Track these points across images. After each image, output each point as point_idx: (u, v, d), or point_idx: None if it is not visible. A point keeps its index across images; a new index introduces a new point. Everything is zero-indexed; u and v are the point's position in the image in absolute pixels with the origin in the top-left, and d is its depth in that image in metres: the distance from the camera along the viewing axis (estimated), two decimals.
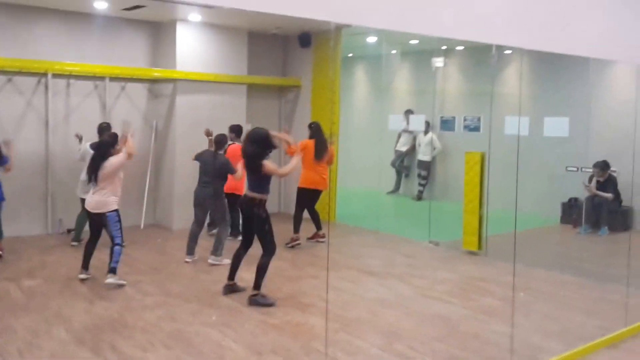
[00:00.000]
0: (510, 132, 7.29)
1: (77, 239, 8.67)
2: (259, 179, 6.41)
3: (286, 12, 4.58)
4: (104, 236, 7.08)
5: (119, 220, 6.93)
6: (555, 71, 10.81)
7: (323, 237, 9.22)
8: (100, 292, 6.77)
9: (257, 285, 6.41)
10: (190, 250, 8.14)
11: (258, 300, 6.37)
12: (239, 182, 7.95)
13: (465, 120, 9.67)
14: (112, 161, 6.82)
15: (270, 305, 6.33)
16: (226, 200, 8.19)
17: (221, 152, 8.13)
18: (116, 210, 6.91)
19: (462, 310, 6.41)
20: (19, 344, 5.24)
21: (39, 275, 7.38)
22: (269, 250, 6.43)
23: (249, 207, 6.42)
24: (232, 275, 6.73)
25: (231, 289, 6.72)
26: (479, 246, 8.68)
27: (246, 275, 6.77)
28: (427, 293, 6.96)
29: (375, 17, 4.79)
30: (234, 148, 8.60)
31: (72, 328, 5.64)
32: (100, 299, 6.52)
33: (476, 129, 9.21)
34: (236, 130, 9.11)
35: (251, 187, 6.47)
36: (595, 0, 6.47)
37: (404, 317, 6.17)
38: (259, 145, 6.37)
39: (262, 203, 6.38)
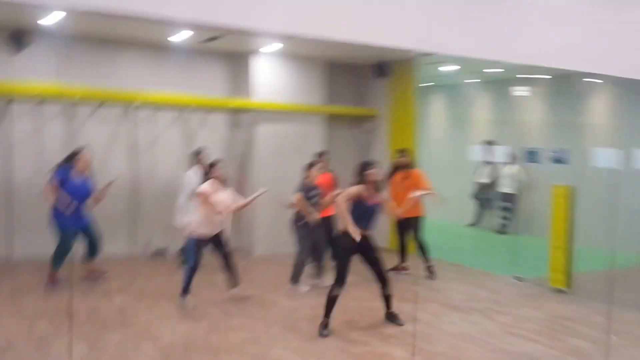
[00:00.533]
0: (601, 164, 7.06)
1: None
2: None
3: (371, 41, 4.59)
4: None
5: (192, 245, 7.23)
6: None
7: (406, 269, 9.09)
8: (188, 312, 6.93)
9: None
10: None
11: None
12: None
13: (552, 151, 9.40)
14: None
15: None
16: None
17: None
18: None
19: (549, 351, 6.16)
20: (109, 359, 5.40)
21: (128, 293, 7.61)
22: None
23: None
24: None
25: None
26: (567, 284, 8.35)
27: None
28: (512, 330, 6.73)
29: (460, 46, 4.76)
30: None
31: (159, 346, 5.76)
32: (187, 319, 6.68)
33: (563, 161, 8.92)
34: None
35: None
36: None
37: (488, 354, 5.99)
38: None
39: None
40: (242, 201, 7.48)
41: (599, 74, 6.79)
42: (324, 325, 6.33)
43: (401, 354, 5.81)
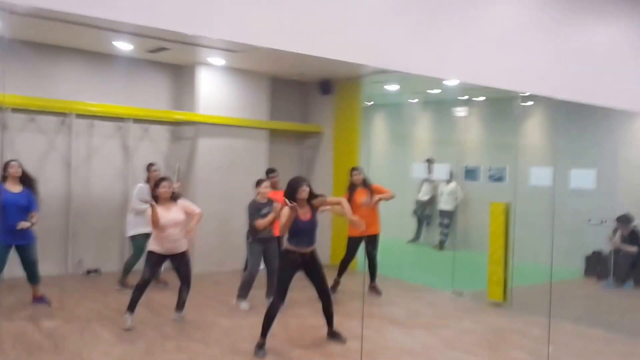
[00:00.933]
0: (536, 183, 7.26)
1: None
2: None
3: (320, 54, 4.59)
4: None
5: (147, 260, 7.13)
6: (581, 122, 10.75)
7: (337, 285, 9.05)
8: (121, 334, 6.67)
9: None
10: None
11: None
12: None
13: (490, 170, 9.62)
14: None
15: None
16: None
17: None
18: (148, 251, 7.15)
19: None
20: None
21: (58, 316, 7.29)
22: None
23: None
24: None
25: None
26: (505, 297, 8.50)
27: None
28: (453, 344, 6.79)
29: (411, 63, 4.82)
30: None
31: None
32: (121, 342, 6.42)
33: (501, 179, 9.15)
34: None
35: None
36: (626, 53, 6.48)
37: None
38: None
39: None
40: (197, 209, 7.33)
41: (538, 96, 6.98)
42: (260, 345, 6.18)
43: None
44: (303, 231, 6.33)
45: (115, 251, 10.00)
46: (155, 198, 6.98)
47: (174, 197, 7.14)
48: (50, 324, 6.94)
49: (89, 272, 9.57)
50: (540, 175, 7.31)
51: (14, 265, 7.53)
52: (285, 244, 6.38)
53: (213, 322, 7.33)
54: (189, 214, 7.20)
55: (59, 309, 7.60)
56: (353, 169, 9.09)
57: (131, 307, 6.90)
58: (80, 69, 9.71)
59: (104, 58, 9.74)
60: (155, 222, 6.79)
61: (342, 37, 4.62)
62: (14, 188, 7.36)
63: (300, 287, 6.53)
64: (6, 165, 7.34)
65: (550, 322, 6.23)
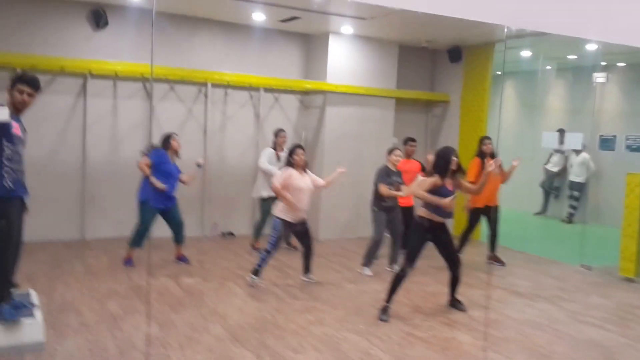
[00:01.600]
0: None
1: None
2: None
3: (460, 15, 4.53)
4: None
5: (275, 229, 7.29)
6: None
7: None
8: (254, 293, 7.06)
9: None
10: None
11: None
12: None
13: (627, 139, 9.13)
14: None
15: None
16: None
17: None
18: (277, 218, 7.31)
19: (620, 339, 6.05)
20: (180, 337, 5.52)
21: (196, 274, 7.80)
22: None
23: None
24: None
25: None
26: (637, 273, 8.18)
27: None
28: (580, 318, 6.65)
29: (551, 23, 4.65)
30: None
31: (227, 325, 5.89)
32: (253, 300, 6.80)
33: (639, 149, 8.66)
34: None
35: None
36: None
37: (556, 340, 5.93)
38: None
39: None
40: (322, 182, 7.53)
41: None
42: (384, 309, 6.35)
43: (466, 339, 5.81)
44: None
45: (247, 215, 10.47)
46: (291, 164, 7.23)
47: (305, 166, 7.36)
48: (189, 281, 7.45)
49: (223, 234, 10.15)
50: None
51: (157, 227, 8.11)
52: (421, 210, 6.43)
53: (338, 286, 7.57)
54: (316, 186, 7.42)
55: (198, 267, 8.14)
56: (484, 137, 8.95)
57: (257, 271, 7.33)
58: (216, 40, 10.11)
59: (239, 29, 10.10)
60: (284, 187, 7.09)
61: None
62: (174, 159, 8.02)
63: (423, 256, 6.58)
64: (169, 138, 7.95)
65: None
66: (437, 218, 6.36)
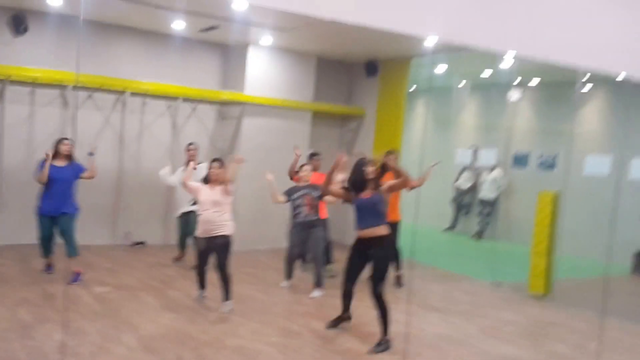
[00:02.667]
0: (590, 172, 7.07)
1: None
2: None
3: (387, 27, 4.50)
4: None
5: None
6: None
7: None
8: (167, 303, 6.89)
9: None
10: None
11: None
12: None
13: (540, 157, 9.37)
14: None
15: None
16: None
17: None
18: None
19: (532, 354, 6.17)
20: (91, 347, 5.31)
21: (108, 283, 7.56)
22: None
23: None
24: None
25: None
26: (547, 290, 8.39)
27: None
28: (493, 333, 6.74)
29: (471, 35, 4.70)
30: None
31: (140, 335, 5.70)
32: (167, 310, 6.61)
33: (551, 166, 8.90)
34: None
35: None
36: None
37: (471, 355, 5.98)
38: None
39: None
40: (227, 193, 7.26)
41: (597, 81, 6.74)
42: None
43: (382, 355, 5.78)
44: (364, 210, 6.12)
45: (160, 225, 10.25)
46: (206, 178, 6.97)
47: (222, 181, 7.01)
48: (101, 289, 7.21)
49: (135, 243, 9.91)
50: (596, 164, 7.06)
51: None
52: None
53: (252, 298, 7.45)
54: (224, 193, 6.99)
55: (110, 276, 7.92)
56: (389, 152, 8.80)
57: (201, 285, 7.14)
58: (136, 48, 9.90)
59: (159, 37, 9.91)
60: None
61: (411, 9, 4.53)
62: (60, 163, 7.49)
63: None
64: (58, 143, 7.52)
65: (587, 316, 6.10)
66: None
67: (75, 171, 7.55)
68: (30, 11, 8.60)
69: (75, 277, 7.43)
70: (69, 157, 7.54)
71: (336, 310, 6.81)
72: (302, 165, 8.13)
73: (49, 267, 7.70)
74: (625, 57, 5.46)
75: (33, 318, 5.92)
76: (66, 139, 7.64)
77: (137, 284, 7.63)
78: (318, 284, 7.81)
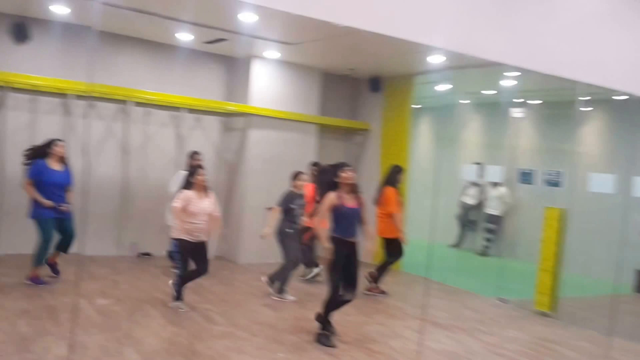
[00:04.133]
0: (595, 189, 7.06)
1: None
2: None
3: (399, 35, 4.53)
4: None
5: (177, 250, 7.22)
6: None
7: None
8: (171, 316, 6.82)
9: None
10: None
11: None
12: None
13: (545, 174, 9.34)
14: None
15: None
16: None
17: None
18: (175, 240, 7.10)
19: None
20: None
21: (111, 294, 7.50)
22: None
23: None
24: None
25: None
26: (552, 308, 8.32)
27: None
28: (497, 350, 6.68)
29: (480, 48, 4.72)
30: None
31: (142, 350, 5.62)
32: (171, 324, 6.54)
33: (557, 184, 8.87)
34: None
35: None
36: None
37: None
38: None
39: None
40: (217, 213, 7.19)
41: (599, 100, 6.79)
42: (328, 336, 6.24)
43: None
44: (346, 220, 6.17)
45: (166, 236, 10.12)
46: (191, 185, 6.98)
47: (206, 188, 7.08)
48: (103, 301, 7.14)
49: (140, 254, 9.90)
50: (600, 182, 7.06)
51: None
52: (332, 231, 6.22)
53: (258, 312, 7.40)
54: (211, 213, 7.07)
55: (113, 288, 7.86)
56: (396, 166, 8.88)
57: (177, 296, 7.09)
58: (140, 58, 9.93)
59: (164, 48, 9.94)
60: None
61: (421, 18, 4.56)
62: (56, 166, 7.58)
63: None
64: (51, 144, 7.55)
65: (592, 335, 6.04)
66: (345, 237, 6.14)
67: (69, 177, 7.68)
68: (34, 19, 8.61)
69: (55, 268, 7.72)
70: (63, 159, 7.63)
71: (343, 325, 6.80)
72: (299, 173, 8.16)
73: (36, 279, 7.51)
74: (626, 74, 5.49)
75: (33, 331, 5.85)
76: (60, 140, 7.67)
77: (141, 296, 7.56)
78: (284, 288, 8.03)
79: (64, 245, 7.80)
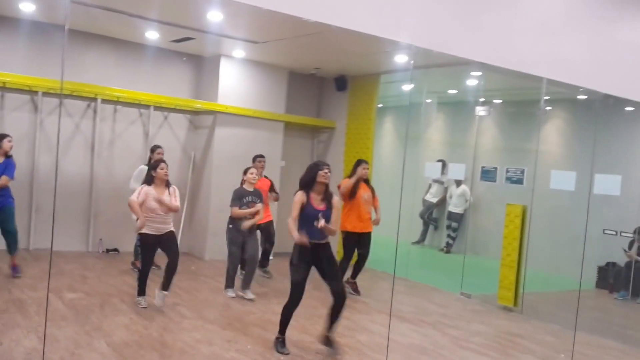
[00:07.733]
0: (556, 186, 7.21)
1: None
2: None
3: (366, 31, 4.60)
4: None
5: (139, 244, 7.28)
6: (613, 125, 10.36)
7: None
8: (140, 310, 6.84)
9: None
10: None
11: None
12: None
13: (507, 171, 9.50)
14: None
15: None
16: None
17: None
18: (138, 234, 7.05)
19: None
20: (62, 353, 5.23)
21: (79, 289, 7.49)
22: None
23: None
24: None
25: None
26: (516, 302, 8.50)
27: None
28: (463, 344, 6.81)
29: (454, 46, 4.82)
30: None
31: (112, 342, 5.63)
32: (140, 317, 6.56)
33: (519, 181, 9.03)
34: None
35: None
36: None
37: None
38: None
39: None
40: (176, 205, 7.06)
41: (559, 99, 6.97)
42: (282, 342, 5.94)
43: None
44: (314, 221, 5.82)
45: (133, 232, 10.09)
46: (152, 179, 6.94)
47: (168, 182, 7.05)
48: (72, 295, 7.14)
49: (108, 250, 9.88)
50: (561, 179, 7.21)
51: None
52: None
53: (226, 306, 7.46)
54: (168, 204, 6.96)
55: (81, 282, 7.85)
56: (361, 161, 8.71)
57: (140, 291, 7.06)
58: (108, 56, 9.88)
59: (132, 46, 9.91)
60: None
61: (388, 15, 4.64)
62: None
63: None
64: (2, 139, 7.62)
65: (554, 329, 6.21)
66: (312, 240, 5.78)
67: (10, 167, 7.63)
68: (2, 17, 8.57)
69: (16, 270, 7.64)
70: (7, 153, 7.65)
71: (309, 320, 6.86)
72: (248, 169, 8.10)
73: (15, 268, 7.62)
74: (589, 71, 5.66)
75: (0, 324, 5.82)
76: (8, 135, 7.71)
77: (109, 290, 7.57)
78: (248, 285, 8.01)
79: (7, 246, 7.72)
